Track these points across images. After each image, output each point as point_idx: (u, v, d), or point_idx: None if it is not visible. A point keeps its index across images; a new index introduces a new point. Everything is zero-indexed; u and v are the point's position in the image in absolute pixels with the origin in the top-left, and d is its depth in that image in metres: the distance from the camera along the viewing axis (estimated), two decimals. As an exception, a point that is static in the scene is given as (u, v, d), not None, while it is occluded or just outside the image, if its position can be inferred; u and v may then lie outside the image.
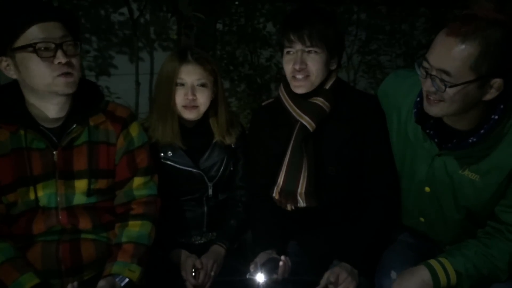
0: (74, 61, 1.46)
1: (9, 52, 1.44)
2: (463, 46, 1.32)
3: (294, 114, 1.72)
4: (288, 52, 1.69)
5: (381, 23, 4.30)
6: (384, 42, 4.22)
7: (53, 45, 1.41)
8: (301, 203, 1.73)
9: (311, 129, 1.70)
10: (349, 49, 4.12)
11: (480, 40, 1.30)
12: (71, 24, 1.49)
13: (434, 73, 1.37)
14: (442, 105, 1.40)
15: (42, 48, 1.41)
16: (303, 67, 1.65)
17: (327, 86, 1.71)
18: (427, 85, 1.41)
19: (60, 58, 1.42)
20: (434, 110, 1.43)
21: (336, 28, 1.70)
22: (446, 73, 1.34)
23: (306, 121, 1.70)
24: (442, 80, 1.35)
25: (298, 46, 1.65)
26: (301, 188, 1.71)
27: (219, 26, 3.68)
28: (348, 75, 4.16)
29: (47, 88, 1.44)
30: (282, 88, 1.79)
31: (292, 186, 1.71)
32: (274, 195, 1.76)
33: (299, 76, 1.67)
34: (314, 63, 1.66)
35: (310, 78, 1.68)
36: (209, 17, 3.44)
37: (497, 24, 1.32)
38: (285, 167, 1.73)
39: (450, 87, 1.35)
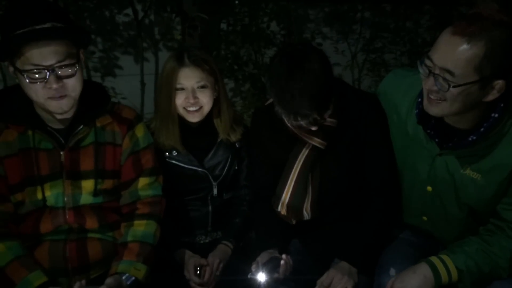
0: (70, 81, 1.44)
1: (10, 60, 1.43)
2: (468, 46, 1.31)
3: (303, 137, 1.68)
4: None
5: (386, 21, 4.27)
6: (389, 40, 4.18)
7: (43, 69, 1.38)
8: (307, 217, 1.75)
9: (323, 148, 1.68)
10: (354, 47, 4.10)
11: (486, 41, 1.30)
12: (75, 35, 1.46)
13: (437, 72, 1.36)
14: (443, 105, 1.40)
15: (34, 72, 1.38)
16: (320, 124, 1.60)
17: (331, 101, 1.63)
18: (429, 84, 1.40)
19: (52, 83, 1.40)
20: (434, 110, 1.43)
21: (327, 75, 1.55)
22: (450, 72, 1.34)
23: (318, 143, 1.67)
24: (445, 80, 1.35)
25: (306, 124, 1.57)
26: (307, 203, 1.72)
27: (223, 26, 3.67)
28: (352, 73, 4.15)
29: (42, 107, 1.45)
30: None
31: (298, 202, 1.72)
32: (279, 210, 1.77)
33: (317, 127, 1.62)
34: (328, 115, 1.60)
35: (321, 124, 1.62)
36: (213, 17, 3.45)
37: (503, 25, 1.31)
38: (292, 185, 1.72)
39: (454, 87, 1.34)
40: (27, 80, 1.40)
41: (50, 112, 1.50)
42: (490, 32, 1.30)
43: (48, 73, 1.39)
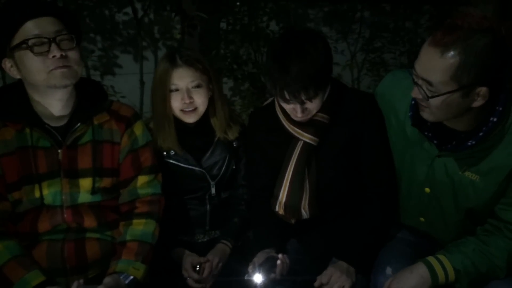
0: (71, 54, 1.46)
1: (9, 52, 1.46)
2: (443, 57, 1.31)
3: (294, 133, 1.69)
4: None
5: (385, 21, 4.28)
6: (388, 40, 4.20)
7: (46, 40, 1.42)
8: (305, 216, 1.75)
9: (315, 144, 1.69)
10: (353, 47, 4.11)
11: (460, 50, 1.30)
12: (67, 19, 1.50)
13: (419, 82, 1.38)
14: (429, 111, 1.42)
15: (36, 44, 1.42)
16: (306, 113, 1.62)
17: (325, 97, 1.66)
18: (415, 93, 1.42)
19: (54, 52, 1.42)
20: (425, 115, 1.45)
21: (324, 62, 1.57)
22: (429, 83, 1.36)
23: (309, 138, 1.68)
24: (425, 89, 1.37)
25: (297, 104, 1.59)
26: (305, 201, 1.72)
27: (223, 25, 3.68)
28: (351, 73, 4.16)
29: (45, 83, 1.45)
30: (278, 108, 1.73)
31: (295, 201, 1.72)
32: (277, 210, 1.77)
33: (302, 117, 1.64)
34: (316, 105, 1.62)
35: (312, 113, 1.65)
36: (212, 16, 3.45)
37: (481, 31, 1.30)
38: (288, 184, 1.72)
39: (432, 97, 1.36)
40: (31, 53, 1.42)
41: (49, 106, 1.50)
42: (465, 41, 1.30)
43: (50, 43, 1.42)
